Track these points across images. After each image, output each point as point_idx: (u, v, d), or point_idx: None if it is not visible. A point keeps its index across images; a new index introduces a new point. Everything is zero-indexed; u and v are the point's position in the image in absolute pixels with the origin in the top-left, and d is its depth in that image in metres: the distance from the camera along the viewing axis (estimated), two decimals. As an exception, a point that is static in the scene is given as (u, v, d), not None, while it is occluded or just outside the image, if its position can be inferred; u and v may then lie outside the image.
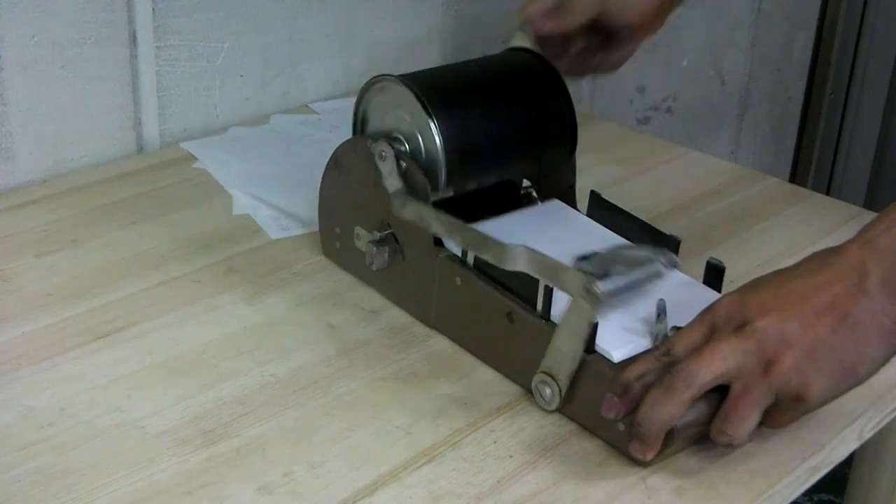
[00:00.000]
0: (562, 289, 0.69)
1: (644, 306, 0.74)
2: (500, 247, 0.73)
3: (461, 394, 0.74)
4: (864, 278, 0.64)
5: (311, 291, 0.85)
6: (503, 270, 0.73)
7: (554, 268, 0.70)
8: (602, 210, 0.85)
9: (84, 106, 1.04)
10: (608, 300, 0.68)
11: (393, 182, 0.79)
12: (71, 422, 0.70)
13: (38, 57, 0.99)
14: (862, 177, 2.13)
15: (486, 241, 0.74)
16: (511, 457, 0.68)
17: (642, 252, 0.74)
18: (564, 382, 0.70)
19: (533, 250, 0.71)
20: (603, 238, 0.82)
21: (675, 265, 0.74)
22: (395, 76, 0.81)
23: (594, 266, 0.70)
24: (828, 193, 1.86)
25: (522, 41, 0.88)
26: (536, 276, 0.71)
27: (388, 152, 0.79)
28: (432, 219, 0.77)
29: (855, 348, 0.64)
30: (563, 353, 0.70)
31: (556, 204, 0.87)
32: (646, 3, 0.88)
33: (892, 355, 0.65)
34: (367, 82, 0.83)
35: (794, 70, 1.98)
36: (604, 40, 0.90)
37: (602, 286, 0.67)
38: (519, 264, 0.72)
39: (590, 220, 0.85)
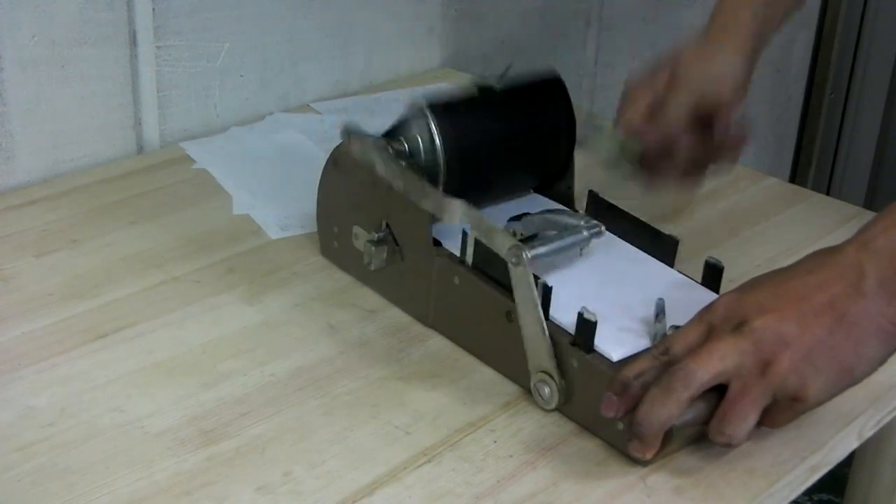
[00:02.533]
0: (492, 248, 0.73)
1: (643, 306, 0.74)
2: (441, 199, 0.75)
3: (461, 394, 0.74)
4: (862, 279, 0.65)
5: (310, 291, 0.85)
6: (503, 270, 0.73)
7: (488, 228, 0.73)
8: (600, 210, 0.85)
9: (84, 106, 1.04)
10: (533, 262, 0.71)
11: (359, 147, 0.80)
12: (71, 422, 0.70)
13: (38, 57, 0.99)
14: (862, 177, 2.13)
15: (425, 189, 0.76)
16: (511, 456, 0.68)
17: (570, 218, 0.78)
18: (551, 367, 0.70)
19: (471, 206, 0.74)
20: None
21: (597, 234, 0.77)
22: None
23: (524, 227, 0.76)
24: (828, 193, 1.86)
25: (612, 145, 0.85)
26: (470, 232, 0.75)
27: (354, 127, 0.81)
28: (377, 159, 0.79)
29: (852, 348, 0.64)
30: (533, 335, 0.71)
31: (532, 197, 0.88)
32: (732, 70, 0.86)
33: (889, 355, 0.65)
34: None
35: (794, 70, 1.98)
36: (704, 129, 0.86)
37: (529, 251, 0.70)
38: (456, 218, 0.74)
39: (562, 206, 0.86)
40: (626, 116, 0.86)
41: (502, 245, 0.72)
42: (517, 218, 0.80)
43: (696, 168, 0.88)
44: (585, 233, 0.77)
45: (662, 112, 0.85)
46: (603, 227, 0.78)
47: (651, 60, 0.89)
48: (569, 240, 0.76)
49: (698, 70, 0.85)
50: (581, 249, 0.78)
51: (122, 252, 0.90)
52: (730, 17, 0.88)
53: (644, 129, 0.85)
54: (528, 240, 0.74)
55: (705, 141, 0.87)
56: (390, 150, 0.78)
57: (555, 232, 0.76)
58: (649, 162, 0.85)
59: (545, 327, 0.70)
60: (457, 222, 0.75)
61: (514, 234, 0.76)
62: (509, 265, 0.71)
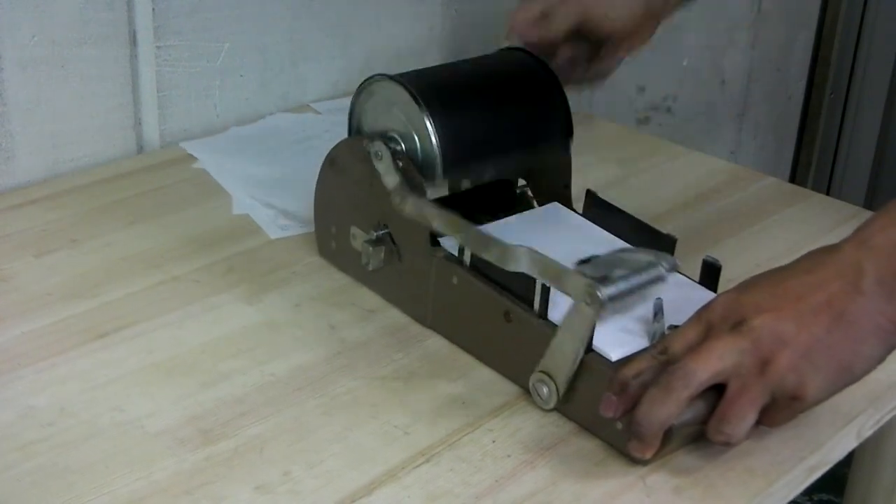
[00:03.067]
0: (564, 292, 0.69)
1: (641, 306, 0.74)
2: (503, 247, 0.73)
3: (459, 393, 0.74)
4: (860, 277, 0.65)
5: (310, 291, 0.85)
6: (500, 270, 0.73)
7: (556, 271, 0.70)
8: (599, 209, 0.85)
9: (84, 106, 1.04)
10: (610, 305, 0.68)
11: (391, 179, 0.79)
12: (70, 421, 0.70)
13: (38, 57, 0.99)
14: (862, 177, 2.13)
15: (488, 240, 0.74)
16: (509, 456, 0.69)
17: (643, 256, 0.73)
18: (563, 383, 0.70)
19: (535, 251, 0.71)
20: (603, 241, 0.82)
21: (675, 269, 0.74)
22: (390, 76, 0.81)
23: (595, 270, 0.70)
24: (828, 193, 1.86)
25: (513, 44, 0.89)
26: (538, 278, 0.71)
27: (384, 151, 0.79)
28: (433, 215, 0.77)
29: (851, 347, 0.64)
30: (563, 355, 0.70)
31: (555, 207, 0.87)
32: (629, 13, 0.89)
33: (887, 353, 0.65)
34: (361, 83, 0.83)
35: (794, 70, 1.98)
36: (589, 50, 0.91)
37: (604, 291, 0.67)
38: (522, 265, 0.71)
39: (589, 222, 0.85)
40: (516, 17, 0.90)
41: (576, 287, 0.68)
42: (586, 260, 0.74)
43: (565, 79, 0.90)
44: (661, 270, 0.72)
45: (551, 19, 0.89)
46: (678, 262, 0.74)
47: None
48: (645, 277, 0.71)
49: None
50: (657, 286, 0.73)
51: (121, 252, 0.90)
52: None
53: (525, 31, 0.90)
54: (603, 279, 0.69)
55: (584, 57, 0.91)
56: (443, 206, 0.77)
57: (627, 271, 0.71)
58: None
59: (580, 356, 0.69)
60: (523, 270, 0.72)
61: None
62: (580, 304, 0.68)
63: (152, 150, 1.09)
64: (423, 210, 0.78)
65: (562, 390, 0.70)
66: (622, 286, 0.69)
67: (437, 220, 0.77)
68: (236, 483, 0.65)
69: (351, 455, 0.68)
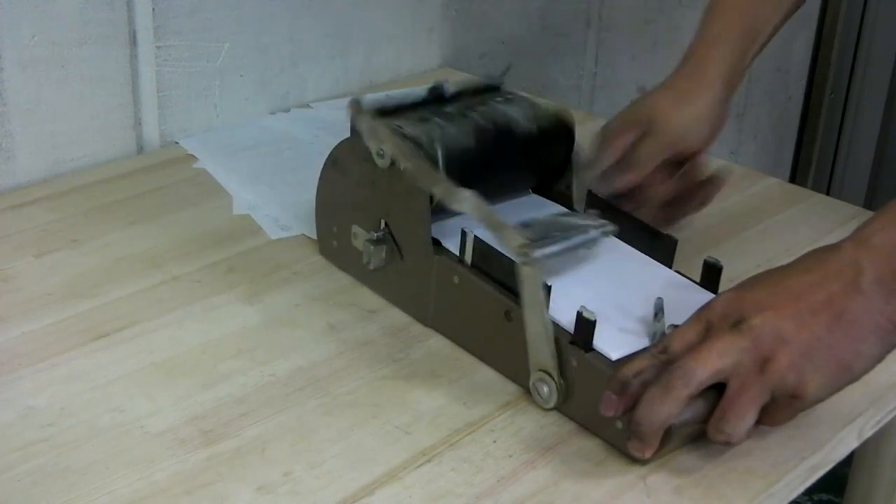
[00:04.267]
0: (502, 245, 0.72)
1: (641, 306, 0.74)
2: (449, 186, 0.75)
3: (460, 393, 0.74)
4: (859, 276, 0.65)
5: (310, 291, 0.85)
6: (502, 269, 0.73)
7: (497, 222, 0.72)
8: (598, 209, 0.84)
9: (84, 106, 1.04)
10: (544, 261, 0.70)
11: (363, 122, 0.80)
12: (71, 421, 0.70)
13: (38, 57, 0.99)
14: (862, 177, 2.13)
15: (435, 176, 0.75)
16: (511, 456, 0.68)
17: (580, 219, 0.77)
18: (552, 366, 0.70)
19: (481, 199, 0.73)
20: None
21: (610, 232, 0.76)
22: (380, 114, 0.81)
23: (534, 231, 0.73)
24: (828, 193, 1.86)
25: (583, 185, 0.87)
26: (479, 223, 0.73)
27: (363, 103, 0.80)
28: (386, 135, 0.78)
29: (850, 346, 0.64)
30: (538, 337, 0.70)
31: (533, 198, 0.87)
32: (706, 117, 0.88)
33: (887, 352, 0.66)
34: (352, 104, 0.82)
35: (794, 70, 1.98)
36: (676, 172, 0.89)
37: (539, 251, 0.70)
38: (465, 206, 0.74)
39: (563, 208, 0.85)
40: (601, 160, 0.88)
41: (511, 243, 0.71)
42: (526, 224, 0.77)
43: (670, 210, 0.90)
44: (594, 232, 0.76)
45: (635, 159, 0.87)
46: (613, 226, 0.77)
47: (627, 108, 0.92)
48: (578, 239, 0.75)
49: (672, 120, 0.88)
50: (590, 248, 0.77)
51: (121, 252, 0.90)
52: (701, 57, 0.91)
53: (618, 174, 0.87)
54: (538, 240, 0.73)
55: (678, 184, 0.89)
56: (402, 132, 0.78)
57: (563, 233, 0.75)
58: (624, 204, 0.87)
59: (550, 327, 0.70)
60: (466, 210, 0.74)
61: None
62: (517, 264, 0.71)
63: (152, 150, 1.09)
64: (376, 128, 0.78)
65: (557, 378, 0.70)
66: (555, 247, 0.72)
67: (389, 141, 0.78)
68: (237, 483, 0.65)
69: (352, 455, 0.68)
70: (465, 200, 0.74)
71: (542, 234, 0.74)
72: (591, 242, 0.76)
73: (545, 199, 0.87)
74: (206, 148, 1.09)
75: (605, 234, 0.77)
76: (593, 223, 0.77)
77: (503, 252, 0.73)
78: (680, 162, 0.89)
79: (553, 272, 0.76)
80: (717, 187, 0.90)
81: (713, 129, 0.89)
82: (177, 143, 1.10)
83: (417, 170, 0.77)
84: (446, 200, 0.75)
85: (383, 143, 0.78)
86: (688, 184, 0.89)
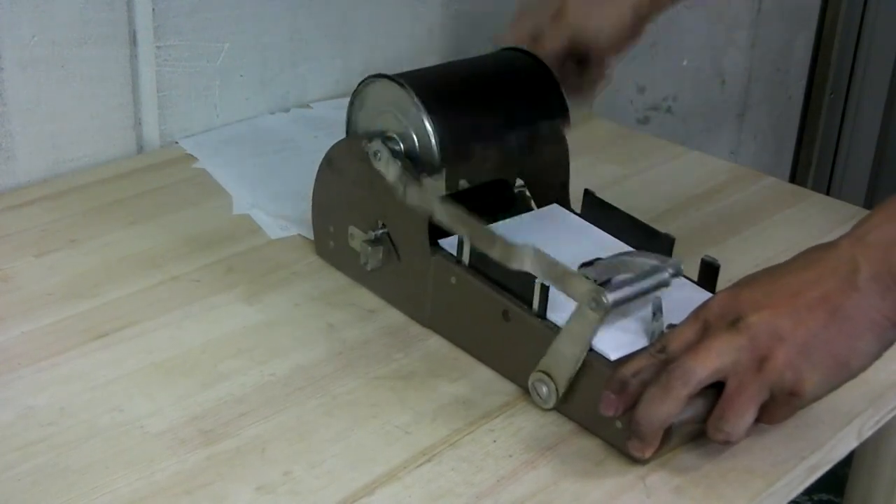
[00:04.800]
0: (567, 294, 0.69)
1: (640, 306, 0.74)
2: (507, 244, 0.72)
3: (460, 393, 0.74)
4: (855, 273, 0.65)
5: (310, 291, 0.85)
6: (499, 269, 0.73)
7: (561, 272, 0.70)
8: (596, 209, 0.85)
9: (84, 106, 1.04)
10: (614, 309, 0.68)
11: (392, 171, 0.79)
12: (70, 421, 0.70)
13: (38, 57, 0.99)
14: (862, 177, 2.13)
15: (492, 236, 0.74)
16: (510, 456, 0.68)
17: (647, 259, 0.73)
18: (563, 384, 0.70)
19: (540, 251, 0.71)
20: (603, 243, 0.82)
21: (679, 272, 0.73)
22: (386, 76, 0.81)
23: (598, 273, 0.71)
24: (828, 193, 1.86)
25: None
26: (541, 278, 0.71)
27: (383, 149, 0.79)
28: (437, 206, 0.77)
29: (847, 343, 0.64)
30: (564, 357, 0.70)
31: (554, 208, 0.87)
32: (619, 24, 0.89)
33: (884, 349, 0.66)
34: (358, 85, 0.83)
35: (794, 70, 1.98)
36: (579, 63, 0.90)
37: (609, 296, 0.67)
38: (526, 265, 0.71)
39: (589, 224, 0.85)
40: (505, 39, 0.90)
41: (579, 290, 0.68)
42: (588, 263, 0.74)
43: (568, 90, 0.90)
44: (665, 274, 0.71)
45: (541, 40, 0.89)
46: (682, 266, 0.73)
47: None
48: (649, 282, 0.71)
49: (582, 11, 0.89)
50: (662, 291, 0.72)
51: (121, 252, 0.90)
52: None
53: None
54: (604, 283, 0.69)
55: (577, 73, 0.90)
56: (448, 200, 0.77)
57: (631, 275, 0.71)
58: None
59: (579, 362, 0.69)
60: (526, 269, 0.71)
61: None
62: (585, 308, 0.68)
63: (152, 150, 1.09)
64: (426, 200, 0.77)
65: (561, 391, 0.70)
66: (627, 291, 0.69)
67: (440, 210, 0.77)
68: (237, 483, 0.65)
69: (352, 455, 0.68)
70: (525, 256, 0.71)
71: (606, 275, 0.71)
72: (664, 285, 0.71)
73: (568, 212, 0.86)
74: (206, 148, 1.09)
75: (677, 275, 0.72)
76: (663, 263, 0.72)
77: (570, 298, 0.69)
78: (584, 61, 0.90)
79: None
80: (602, 82, 0.91)
81: (620, 34, 0.90)
82: (176, 142, 1.10)
83: (474, 235, 0.75)
84: (504, 261, 0.73)
85: (435, 214, 0.77)
86: (585, 77, 0.91)
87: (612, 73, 0.93)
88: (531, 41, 0.89)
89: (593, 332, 0.68)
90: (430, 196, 0.77)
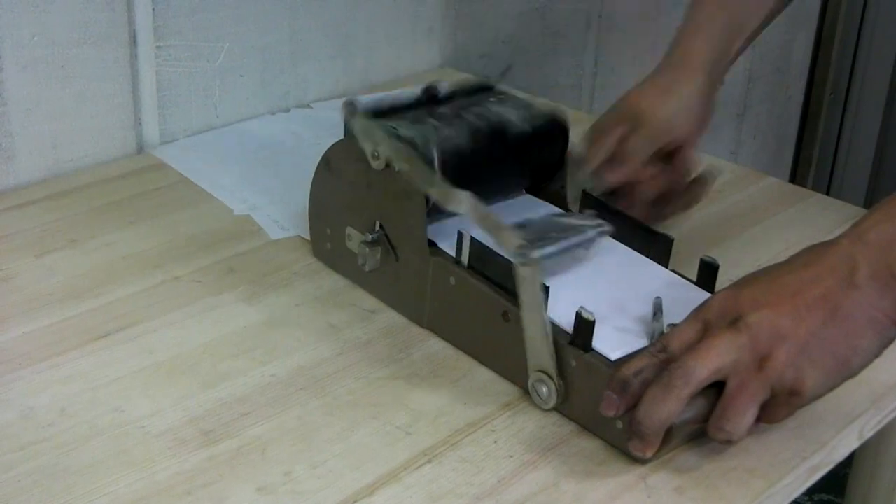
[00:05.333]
0: (499, 246, 0.72)
1: (639, 306, 0.74)
2: (447, 188, 0.75)
3: (461, 394, 0.74)
4: (854, 272, 0.65)
5: (311, 291, 0.85)
6: (498, 269, 0.73)
7: (494, 223, 0.72)
8: (594, 209, 0.84)
9: (84, 106, 1.04)
10: (542, 262, 0.70)
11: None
12: (71, 422, 0.70)
13: (38, 57, 0.99)
14: (862, 177, 2.13)
15: (432, 177, 0.75)
16: (511, 457, 0.68)
17: (575, 219, 0.78)
18: (551, 368, 0.70)
19: (478, 200, 0.73)
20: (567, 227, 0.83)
21: (606, 232, 0.76)
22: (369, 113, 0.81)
23: (530, 232, 0.73)
24: (828, 193, 1.86)
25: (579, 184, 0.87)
26: (476, 225, 0.73)
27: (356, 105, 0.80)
28: (383, 139, 0.78)
29: (847, 341, 0.64)
30: (536, 339, 0.70)
31: (526, 197, 0.87)
32: (692, 109, 0.88)
33: (884, 347, 0.66)
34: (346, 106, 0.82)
35: (794, 70, 1.98)
36: (666, 165, 0.89)
37: (537, 252, 0.70)
38: (462, 208, 0.74)
39: (557, 209, 0.85)
40: (592, 158, 0.88)
41: (510, 243, 0.71)
42: (521, 224, 0.77)
43: (661, 203, 0.90)
44: (591, 232, 0.76)
45: (624, 154, 0.88)
46: (609, 226, 0.77)
47: (614, 104, 0.91)
48: (575, 239, 0.76)
49: (658, 113, 0.88)
50: (587, 249, 0.78)
51: (122, 252, 0.90)
52: (684, 49, 0.91)
53: (606, 172, 0.87)
54: (535, 241, 0.73)
55: (668, 176, 0.89)
56: (397, 133, 0.78)
57: (560, 233, 0.76)
58: (617, 201, 0.87)
59: (548, 329, 0.70)
60: (463, 212, 0.74)
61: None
62: (515, 265, 0.71)
63: (152, 150, 1.09)
64: (371, 131, 0.78)
65: (555, 377, 0.70)
66: (553, 247, 0.72)
67: (386, 143, 0.77)
68: (238, 484, 0.65)
69: (353, 455, 0.68)
70: (462, 202, 0.74)
71: (538, 234, 0.74)
72: (589, 242, 0.76)
73: (539, 200, 0.87)
74: (205, 147, 1.09)
75: (602, 233, 0.77)
76: (590, 223, 0.77)
77: (501, 253, 0.73)
78: (669, 158, 0.89)
79: (551, 273, 0.76)
80: (706, 185, 0.90)
81: (699, 121, 0.89)
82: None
83: (414, 171, 0.77)
84: (443, 202, 0.75)
85: (379, 145, 0.78)
86: (677, 180, 0.89)
87: (694, 167, 0.91)
88: (616, 159, 0.87)
89: (539, 293, 0.69)
90: (376, 131, 0.78)
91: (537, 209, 0.85)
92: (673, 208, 0.91)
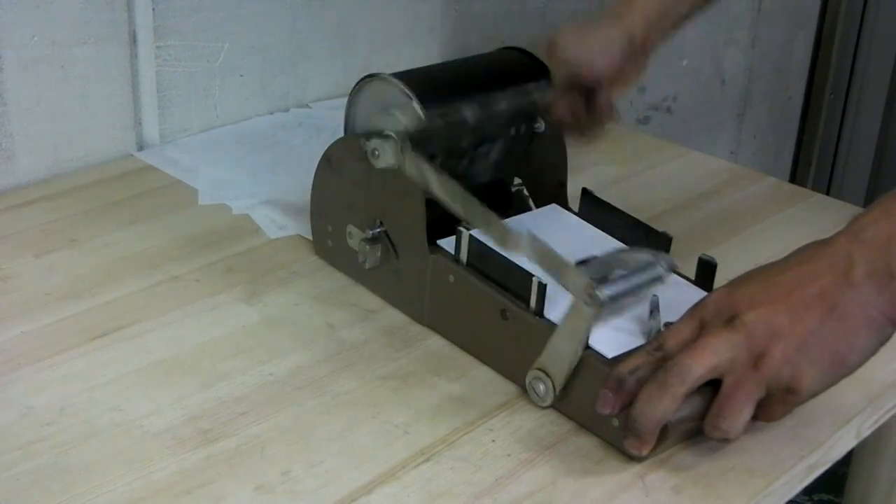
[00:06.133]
0: (562, 286, 0.69)
1: (636, 305, 0.74)
2: (505, 228, 0.73)
3: (459, 393, 0.74)
4: (851, 269, 0.65)
5: (309, 291, 0.85)
6: (497, 267, 0.73)
7: (557, 262, 0.70)
8: (594, 208, 0.85)
9: (84, 106, 1.04)
10: (609, 305, 0.68)
11: (387, 148, 0.79)
12: (70, 421, 0.70)
13: (38, 57, 0.99)
14: (862, 177, 2.13)
15: (489, 216, 0.74)
16: (509, 455, 0.69)
17: (642, 255, 0.74)
18: (560, 381, 0.70)
19: (537, 238, 0.71)
20: (601, 242, 0.82)
21: (673, 268, 0.74)
22: (385, 75, 0.81)
23: (594, 270, 0.71)
24: (828, 193, 1.86)
25: None
26: (537, 265, 0.71)
27: (379, 143, 0.79)
28: (432, 177, 0.77)
29: (843, 339, 0.64)
30: (560, 354, 0.70)
31: (552, 209, 0.87)
32: (609, 53, 0.88)
33: (880, 345, 0.65)
34: (356, 84, 0.83)
35: (794, 70, 1.98)
36: (584, 100, 0.89)
37: (604, 291, 0.67)
38: (522, 250, 0.72)
39: (587, 223, 0.85)
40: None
41: (576, 283, 0.69)
42: (584, 261, 0.74)
43: (577, 129, 0.89)
44: (659, 269, 0.72)
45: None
46: (677, 264, 0.74)
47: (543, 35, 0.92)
48: (645, 276, 0.71)
49: (572, 44, 0.88)
50: (655, 286, 0.73)
51: (121, 252, 0.90)
52: (623, 3, 0.91)
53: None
54: (601, 280, 0.69)
55: (577, 109, 0.89)
56: (444, 173, 0.77)
57: (625, 272, 0.72)
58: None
59: (580, 353, 0.69)
60: (521, 253, 0.72)
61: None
62: (580, 304, 0.68)
63: (152, 150, 1.09)
64: (422, 169, 0.77)
65: (559, 388, 0.70)
66: (622, 286, 0.69)
67: (436, 183, 0.77)
68: (236, 483, 0.65)
69: (351, 454, 0.68)
70: (521, 241, 0.72)
71: (602, 272, 0.71)
72: (659, 281, 0.72)
73: (567, 212, 0.87)
74: (205, 148, 1.09)
75: (671, 270, 0.73)
76: (656, 259, 0.73)
77: (565, 290, 0.70)
78: (587, 92, 0.89)
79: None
80: (607, 116, 0.90)
81: (613, 64, 0.88)
82: (177, 140, 1.10)
83: (469, 212, 0.76)
84: (500, 244, 0.74)
85: (431, 186, 0.77)
86: (591, 113, 0.89)
87: (617, 109, 0.91)
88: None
89: (589, 329, 0.68)
90: (426, 169, 0.77)
91: (566, 221, 0.85)
92: (578, 135, 0.90)
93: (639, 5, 0.89)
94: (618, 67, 0.88)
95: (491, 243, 0.74)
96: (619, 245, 0.82)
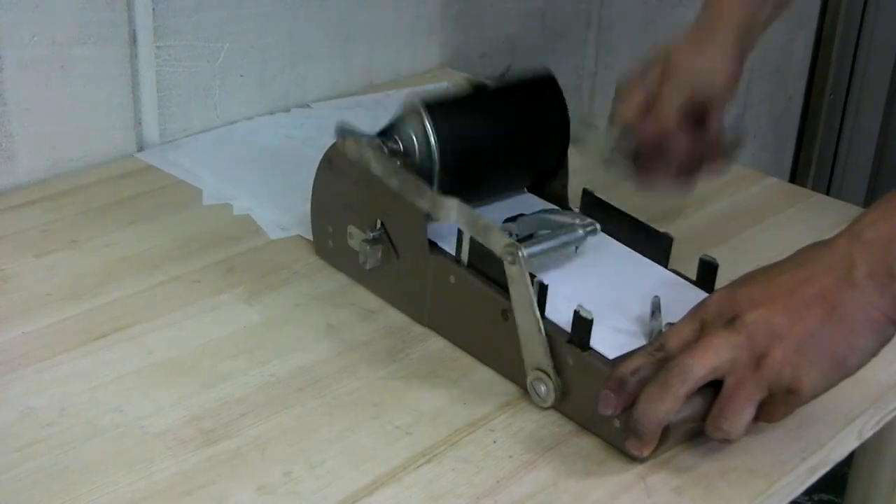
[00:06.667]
0: (488, 247, 0.73)
1: (637, 305, 0.74)
2: (436, 198, 0.75)
3: (461, 393, 0.74)
4: (851, 270, 0.65)
5: (310, 291, 0.85)
6: (498, 268, 0.73)
7: (483, 225, 0.73)
8: (594, 208, 0.85)
9: (84, 106, 1.04)
10: (530, 260, 0.71)
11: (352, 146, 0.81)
12: (71, 422, 0.70)
13: (38, 57, 0.99)
14: (862, 177, 2.13)
15: (422, 188, 0.76)
16: (510, 457, 0.68)
17: (565, 217, 0.78)
18: (547, 364, 0.70)
19: (465, 205, 0.74)
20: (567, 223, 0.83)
21: (594, 230, 0.77)
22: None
23: (519, 228, 0.76)
24: (828, 193, 1.86)
25: (606, 142, 0.86)
26: (465, 230, 0.75)
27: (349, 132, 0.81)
28: (371, 157, 0.79)
29: (844, 339, 0.64)
30: (530, 335, 0.70)
31: (526, 196, 0.88)
32: (726, 65, 0.86)
33: (881, 346, 0.65)
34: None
35: (794, 70, 1.98)
36: (698, 127, 0.87)
37: (526, 250, 0.70)
38: (451, 216, 0.75)
39: (556, 207, 0.85)
40: (621, 113, 0.87)
41: (498, 243, 0.72)
42: (512, 219, 0.80)
43: (691, 167, 0.88)
44: (580, 231, 0.77)
45: (656, 107, 0.86)
46: (597, 225, 0.78)
47: (643, 58, 0.89)
48: (564, 238, 0.77)
49: (689, 63, 0.86)
50: (576, 247, 0.78)
51: (122, 252, 0.90)
52: (716, 11, 0.89)
53: (639, 125, 0.86)
54: (524, 239, 0.74)
55: (699, 139, 0.87)
56: (385, 150, 0.79)
57: (550, 231, 0.77)
58: (644, 159, 0.86)
59: (541, 325, 0.70)
60: (452, 221, 0.75)
61: (510, 234, 0.75)
62: (505, 264, 0.71)
63: (152, 150, 1.09)
64: (362, 148, 0.80)
65: (553, 377, 0.70)
66: (541, 246, 0.74)
67: (374, 161, 0.79)
68: (237, 483, 0.65)
69: (352, 455, 0.68)
70: (450, 209, 0.75)
71: (527, 232, 0.75)
72: (577, 241, 0.77)
73: (539, 199, 0.87)
74: (203, 148, 1.09)
75: (591, 232, 0.78)
76: (580, 221, 0.78)
77: (491, 250, 0.73)
78: (699, 123, 0.87)
79: (548, 272, 0.76)
80: (737, 145, 0.88)
81: (728, 80, 0.87)
82: (177, 140, 1.10)
83: (404, 186, 0.77)
84: (433, 212, 0.76)
85: (370, 164, 0.79)
86: (708, 142, 0.87)
87: (723, 129, 0.88)
88: (646, 111, 0.86)
89: (529, 288, 0.70)
90: (365, 148, 0.79)
91: (535, 208, 0.85)
92: (703, 169, 0.88)
93: (728, 11, 0.87)
94: (734, 82, 0.86)
95: (426, 209, 0.77)
96: (550, 206, 0.85)
